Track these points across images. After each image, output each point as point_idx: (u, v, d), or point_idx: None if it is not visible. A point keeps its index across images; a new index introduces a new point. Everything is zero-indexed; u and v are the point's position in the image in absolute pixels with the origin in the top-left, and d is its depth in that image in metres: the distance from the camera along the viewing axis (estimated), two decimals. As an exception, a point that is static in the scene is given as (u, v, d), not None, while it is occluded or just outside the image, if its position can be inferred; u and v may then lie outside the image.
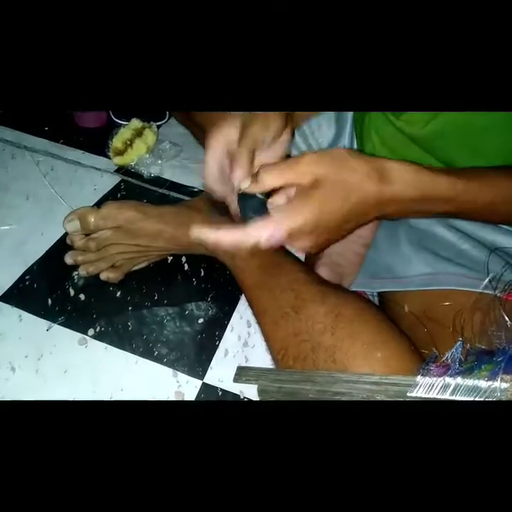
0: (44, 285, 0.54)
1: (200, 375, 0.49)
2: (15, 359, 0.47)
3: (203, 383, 0.48)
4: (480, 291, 0.41)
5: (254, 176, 0.36)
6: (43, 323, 0.51)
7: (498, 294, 0.39)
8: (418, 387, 0.29)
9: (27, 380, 0.46)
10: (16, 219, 0.62)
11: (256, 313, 0.47)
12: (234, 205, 0.41)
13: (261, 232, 0.34)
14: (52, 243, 0.59)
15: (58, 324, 0.51)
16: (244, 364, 0.50)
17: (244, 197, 0.38)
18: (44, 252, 0.58)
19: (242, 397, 0.47)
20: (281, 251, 0.51)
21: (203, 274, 0.59)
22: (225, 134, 0.40)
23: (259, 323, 0.47)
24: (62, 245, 0.57)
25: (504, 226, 0.47)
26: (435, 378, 0.29)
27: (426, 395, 0.29)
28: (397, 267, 0.48)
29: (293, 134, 0.45)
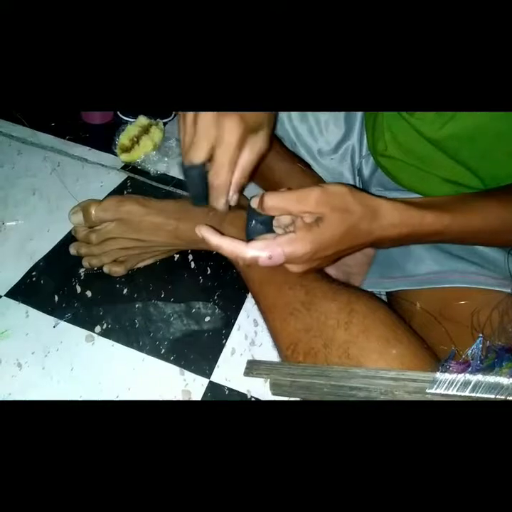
0: (51, 281, 0.54)
1: (207, 374, 0.49)
2: (22, 356, 0.47)
3: (210, 382, 0.48)
4: (496, 289, 0.41)
5: (261, 198, 0.38)
6: (50, 319, 0.51)
7: None
8: (438, 383, 0.29)
9: (33, 376, 0.46)
10: (22, 215, 0.62)
11: (263, 310, 0.47)
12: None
13: (261, 252, 0.37)
14: (59, 239, 0.59)
15: (65, 321, 0.51)
16: (251, 363, 0.50)
17: (253, 209, 0.40)
18: (51, 248, 0.58)
19: (249, 397, 0.47)
20: None
21: (209, 272, 0.59)
22: None
23: (266, 319, 0.46)
24: (68, 242, 0.56)
25: None
26: (455, 375, 0.29)
27: (445, 392, 0.29)
28: (408, 265, 0.48)
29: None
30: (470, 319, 0.39)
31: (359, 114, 0.60)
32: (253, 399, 0.47)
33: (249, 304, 0.56)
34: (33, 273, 0.55)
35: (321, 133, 0.62)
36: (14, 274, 0.54)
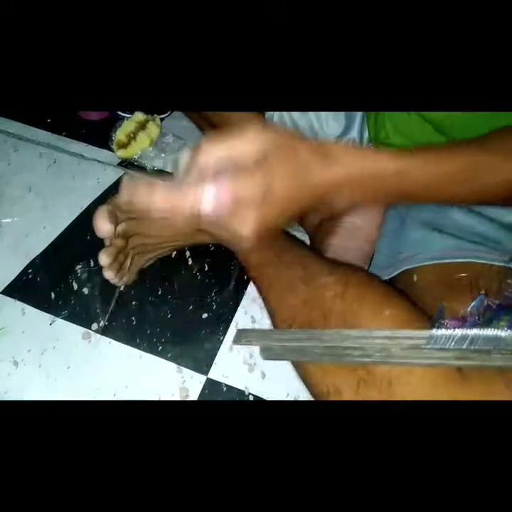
0: (47, 279, 0.54)
1: (205, 371, 0.48)
2: (18, 353, 0.47)
3: (208, 379, 0.48)
4: (496, 264, 0.40)
5: (196, 148, 0.32)
6: (47, 317, 0.50)
7: None
8: (434, 339, 0.29)
9: (30, 374, 0.46)
10: (18, 212, 0.61)
11: (262, 290, 0.47)
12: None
13: (203, 193, 0.30)
14: (55, 236, 0.59)
15: (62, 318, 0.50)
16: (249, 360, 0.50)
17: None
18: (47, 245, 0.58)
19: (246, 393, 0.47)
20: (285, 233, 0.52)
21: (207, 268, 0.58)
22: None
23: (265, 299, 0.46)
24: (65, 238, 0.56)
25: None
26: (452, 330, 0.28)
27: (442, 347, 0.28)
28: (406, 248, 0.48)
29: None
30: (469, 288, 0.39)
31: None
32: (251, 395, 0.47)
33: (247, 301, 0.56)
34: (29, 270, 0.54)
35: (321, 127, 0.62)
36: (10, 272, 0.54)
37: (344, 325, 0.36)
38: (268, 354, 0.37)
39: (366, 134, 0.59)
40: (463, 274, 0.41)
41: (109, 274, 0.48)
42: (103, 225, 0.45)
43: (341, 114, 0.60)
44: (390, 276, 0.50)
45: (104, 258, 0.46)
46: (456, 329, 0.28)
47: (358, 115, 0.60)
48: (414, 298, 0.43)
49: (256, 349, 0.51)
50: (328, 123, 0.61)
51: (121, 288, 0.54)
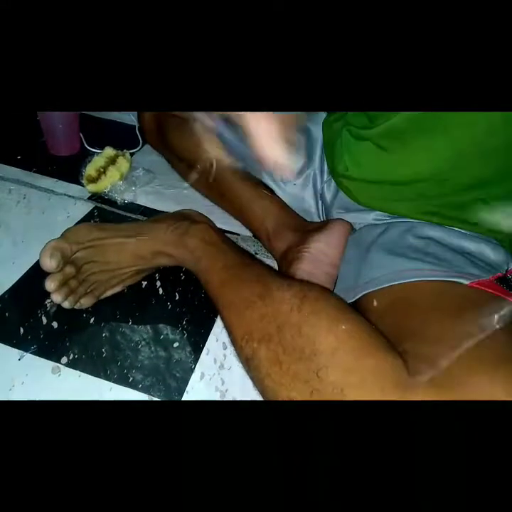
0: (16, 314, 0.54)
1: (177, 400, 0.48)
2: (-15, 390, 0.46)
3: (179, 407, 0.48)
4: (450, 280, 0.42)
5: None
6: (15, 352, 0.50)
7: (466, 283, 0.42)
8: None
9: (-2, 411, 0.45)
10: (-14, 248, 0.62)
11: (221, 308, 0.49)
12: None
13: None
14: (24, 271, 0.59)
15: (30, 353, 0.50)
16: (220, 387, 0.50)
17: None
18: (16, 280, 0.58)
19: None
20: (246, 254, 0.55)
21: (177, 297, 0.59)
22: None
23: (223, 317, 0.48)
24: (34, 273, 0.56)
25: (470, 232, 0.50)
26: None
27: None
28: (364, 271, 0.50)
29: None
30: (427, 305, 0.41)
31: (318, 147, 0.63)
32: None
33: (218, 328, 0.56)
34: (-2, 306, 0.54)
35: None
36: (-22, 308, 0.54)
37: (299, 335, 0.38)
38: None
39: (326, 168, 0.62)
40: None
41: (55, 298, 0.51)
42: (45, 262, 0.50)
43: (301, 149, 0.63)
44: (353, 300, 0.52)
45: (47, 284, 0.51)
46: None
47: (318, 149, 0.63)
48: (375, 321, 0.46)
49: (226, 376, 0.51)
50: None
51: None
